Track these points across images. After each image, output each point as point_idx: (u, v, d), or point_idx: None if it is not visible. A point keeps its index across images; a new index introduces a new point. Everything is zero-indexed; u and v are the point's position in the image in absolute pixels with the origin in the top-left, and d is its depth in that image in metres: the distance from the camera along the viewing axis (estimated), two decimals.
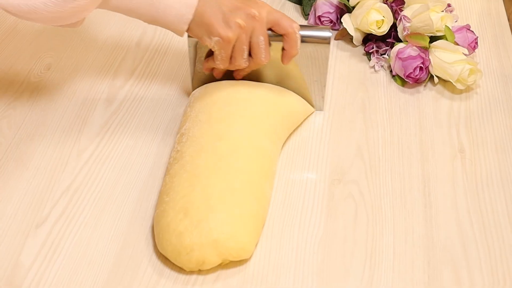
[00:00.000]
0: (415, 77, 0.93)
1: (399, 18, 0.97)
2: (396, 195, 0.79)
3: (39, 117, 0.89)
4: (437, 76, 0.94)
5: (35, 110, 0.90)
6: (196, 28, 0.77)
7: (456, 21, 1.00)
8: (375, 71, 0.98)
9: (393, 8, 0.98)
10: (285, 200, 0.79)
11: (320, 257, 0.73)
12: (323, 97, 0.88)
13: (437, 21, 0.95)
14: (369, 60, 0.99)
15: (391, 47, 0.98)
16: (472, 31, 0.98)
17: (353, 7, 0.99)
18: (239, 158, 0.76)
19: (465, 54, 0.93)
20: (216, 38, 0.76)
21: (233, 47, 0.78)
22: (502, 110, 0.92)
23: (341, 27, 1.02)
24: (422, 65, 0.93)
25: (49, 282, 0.70)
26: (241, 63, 0.79)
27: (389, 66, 0.98)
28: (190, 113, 0.83)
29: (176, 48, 1.01)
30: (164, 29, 1.03)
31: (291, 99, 0.86)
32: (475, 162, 0.84)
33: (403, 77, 0.94)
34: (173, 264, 0.71)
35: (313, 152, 0.85)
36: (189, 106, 0.85)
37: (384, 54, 0.99)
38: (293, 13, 1.09)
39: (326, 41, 0.82)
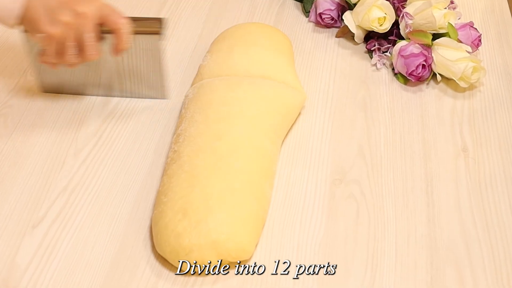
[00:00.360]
0: (418, 75, 0.93)
1: (401, 15, 0.96)
2: (398, 194, 0.80)
3: (35, 116, 0.89)
4: (440, 74, 0.94)
5: (31, 108, 0.90)
6: (25, 23, 0.77)
7: (459, 18, 1.00)
8: (377, 69, 0.98)
9: (395, 5, 0.98)
10: (285, 200, 0.79)
11: (321, 258, 0.73)
12: (163, 86, 0.90)
13: (440, 18, 0.95)
14: (371, 58, 0.99)
15: (393, 45, 0.98)
16: (476, 29, 0.98)
17: (355, 4, 0.99)
18: (239, 158, 0.76)
19: (469, 52, 0.93)
20: (41, 34, 0.77)
21: (60, 44, 0.78)
22: (506, 108, 0.92)
23: (343, 24, 1.02)
24: (424, 63, 0.93)
25: (46, 284, 0.70)
26: (69, 59, 0.79)
27: (391, 64, 0.98)
28: (185, 114, 0.83)
29: (175, 45, 1.01)
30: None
31: (287, 93, 0.86)
32: (478, 161, 0.84)
33: (405, 75, 0.94)
34: (172, 265, 0.71)
35: (313, 151, 0.85)
36: (184, 108, 0.85)
37: (386, 51, 0.99)
38: (294, 10, 1.09)
39: (156, 32, 0.84)
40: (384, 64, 0.98)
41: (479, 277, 0.71)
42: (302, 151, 0.85)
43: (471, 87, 0.95)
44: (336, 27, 1.05)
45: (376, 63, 0.98)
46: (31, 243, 0.73)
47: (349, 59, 1.00)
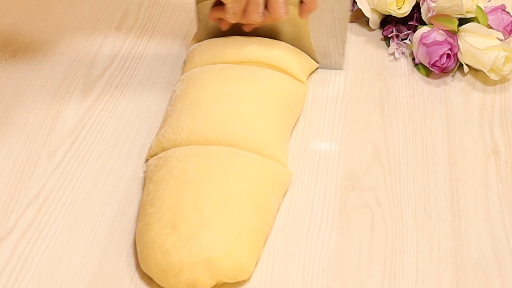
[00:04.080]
0: (442, 65, 0.93)
1: None
2: (420, 203, 0.79)
3: (2, 113, 0.89)
4: (467, 65, 0.94)
5: None
6: None
7: (489, 1, 1.00)
8: (395, 58, 0.98)
9: None
10: (290, 209, 0.79)
11: (331, 276, 0.72)
12: (343, 54, 0.94)
13: (468, 0, 0.94)
14: (388, 46, 0.99)
15: (414, 31, 0.98)
16: (508, 13, 0.97)
17: None
18: (238, 161, 0.75)
19: (500, 39, 0.93)
20: None
21: (248, 0, 0.80)
22: None
23: (355, 7, 1.02)
24: (449, 52, 0.92)
25: None
26: (255, 18, 0.82)
27: (411, 53, 0.98)
28: (171, 114, 0.83)
29: (165, 29, 1.01)
30: (148, 12, 1.04)
31: (285, 86, 0.86)
32: (511, 164, 0.84)
33: (427, 66, 0.94)
34: (159, 285, 0.71)
35: (322, 153, 0.85)
36: (170, 105, 0.85)
37: (406, 39, 0.99)
38: None
39: None
40: (403, 53, 0.98)
41: None
42: (309, 153, 0.85)
43: (503, 79, 0.95)
44: None
45: (394, 52, 0.98)
46: None
47: (363, 48, 1.00)
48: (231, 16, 0.83)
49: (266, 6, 0.82)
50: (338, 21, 0.90)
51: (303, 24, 0.89)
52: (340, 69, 0.95)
